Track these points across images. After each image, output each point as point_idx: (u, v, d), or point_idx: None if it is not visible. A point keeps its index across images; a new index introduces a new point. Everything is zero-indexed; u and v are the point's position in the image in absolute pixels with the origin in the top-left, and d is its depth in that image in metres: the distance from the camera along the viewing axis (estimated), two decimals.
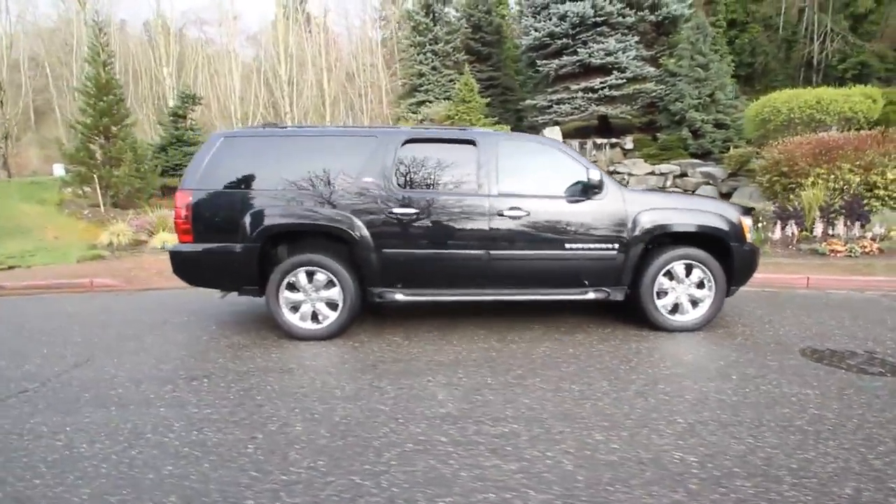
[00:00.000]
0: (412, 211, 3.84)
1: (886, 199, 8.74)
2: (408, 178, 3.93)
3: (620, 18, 17.05)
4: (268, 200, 3.84)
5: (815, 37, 18.27)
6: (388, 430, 2.38)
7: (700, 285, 4.02)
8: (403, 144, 3.98)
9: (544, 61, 18.18)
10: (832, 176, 8.74)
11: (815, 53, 18.39)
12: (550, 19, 17.62)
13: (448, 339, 3.90)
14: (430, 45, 21.93)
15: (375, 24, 25.70)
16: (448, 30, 22.15)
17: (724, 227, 3.98)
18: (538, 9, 18.38)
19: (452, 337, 3.94)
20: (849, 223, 7.79)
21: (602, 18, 16.96)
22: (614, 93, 17.29)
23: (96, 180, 10.93)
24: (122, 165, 11.16)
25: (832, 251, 7.27)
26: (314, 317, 3.95)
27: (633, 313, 4.20)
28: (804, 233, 8.12)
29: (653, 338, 3.88)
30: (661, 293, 4.02)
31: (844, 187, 8.62)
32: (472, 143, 4.05)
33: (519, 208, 3.89)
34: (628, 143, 17.70)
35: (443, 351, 3.61)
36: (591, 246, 3.94)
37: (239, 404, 2.71)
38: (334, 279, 3.86)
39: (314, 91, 22.76)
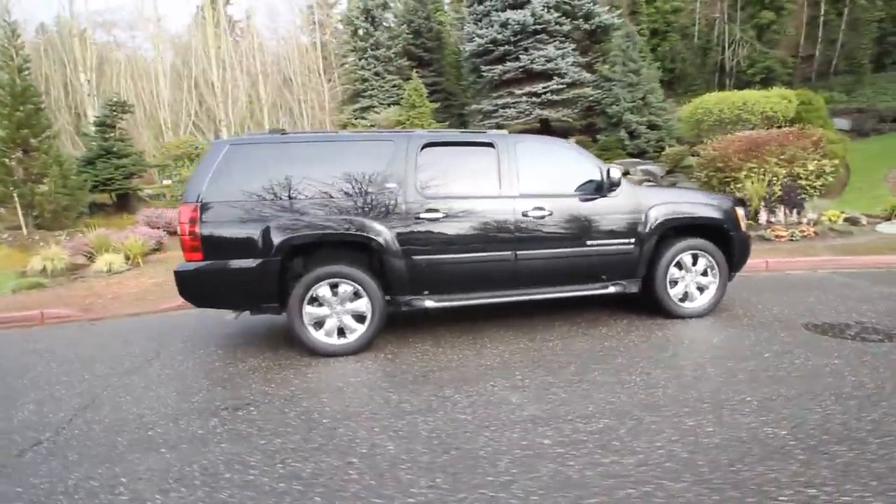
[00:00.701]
0: (439, 215, 3.78)
1: (808, 188, 9.87)
2: (431, 183, 3.86)
3: (558, 27, 17.86)
4: (285, 210, 3.60)
5: (727, 45, 20.27)
6: (487, 439, 2.32)
7: (704, 273, 4.31)
8: (423, 149, 3.91)
9: (488, 67, 18.62)
10: (762, 169, 9.71)
11: (727, 59, 20.38)
12: (492, 26, 18.09)
13: (480, 342, 3.87)
14: (372, 50, 21.73)
15: (309, 29, 24.99)
16: (389, 35, 22.07)
17: (724, 217, 4.31)
18: (480, 16, 18.82)
19: (483, 340, 3.92)
20: (787, 211, 8.70)
21: (541, 26, 17.68)
22: (556, 97, 18.05)
23: (16, 199, 9.63)
24: (47, 181, 9.93)
25: (776, 236, 8.08)
26: (340, 331, 3.76)
27: (630, 304, 4.43)
28: (749, 221, 8.96)
29: (670, 325, 4.09)
30: (672, 283, 4.26)
31: (772, 179, 9.62)
32: (490, 145, 4.07)
33: (542, 208, 3.96)
34: None
35: (483, 355, 3.58)
36: (611, 241, 4.09)
37: (309, 429, 2.51)
38: (361, 290, 3.69)
39: (249, 97, 21.69)
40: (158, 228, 10.65)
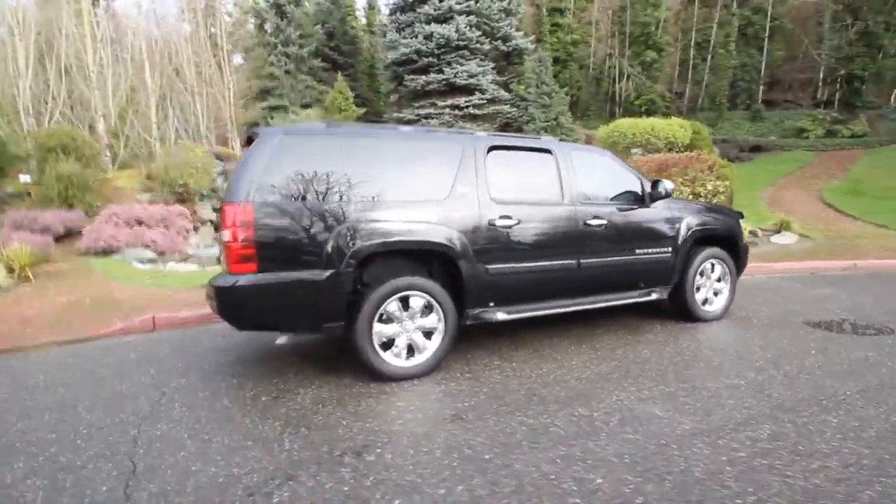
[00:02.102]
0: (512, 222, 3.56)
1: None
2: (501, 188, 3.63)
3: (478, 45, 18.52)
4: (352, 213, 3.09)
5: (617, 77, 22.87)
6: (683, 459, 2.19)
7: (719, 279, 4.70)
8: (489, 151, 3.67)
9: (412, 77, 18.59)
10: None
11: (618, 90, 22.98)
12: (416, 37, 18.13)
13: (548, 354, 3.72)
14: (283, 46, 20.30)
15: (196, 16, 22.50)
16: (301, 33, 20.81)
17: (737, 228, 4.76)
18: (403, 25, 18.75)
19: (544, 351, 3.78)
20: None
21: (464, 43, 18.17)
22: (477, 111, 18.64)
23: None
24: None
25: None
26: (409, 351, 3.33)
27: (641, 310, 4.69)
28: None
29: (697, 329, 4.36)
30: (696, 289, 4.56)
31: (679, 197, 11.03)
32: (549, 151, 3.98)
33: (599, 217, 3.97)
34: None
35: (568, 368, 3.43)
36: (655, 250, 4.26)
37: (483, 470, 2.12)
38: (434, 303, 3.32)
39: (132, 85, 18.65)
40: (38, 233, 8.60)
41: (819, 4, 21.19)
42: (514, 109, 19.15)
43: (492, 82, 18.87)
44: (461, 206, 3.42)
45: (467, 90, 18.74)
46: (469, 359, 3.66)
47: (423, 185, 3.38)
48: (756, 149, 18.24)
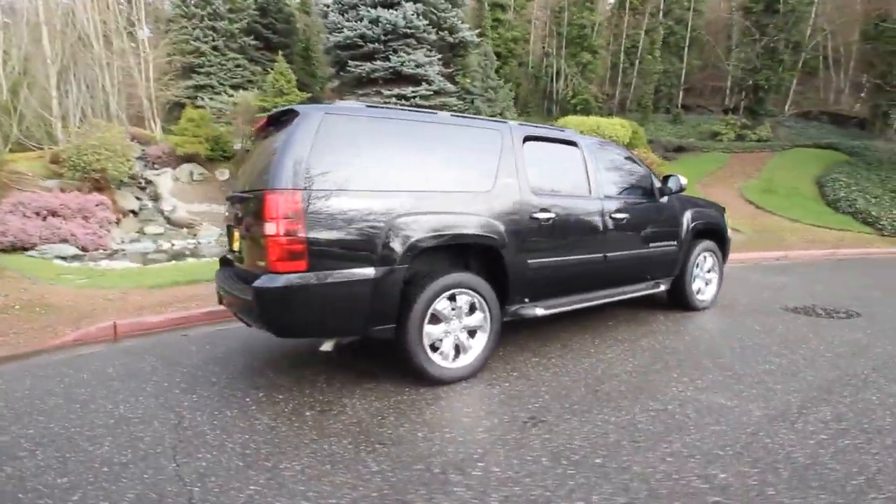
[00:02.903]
0: (551, 216, 3.48)
1: None
2: (538, 180, 3.52)
3: (425, 34, 18.21)
4: (407, 204, 2.82)
5: (555, 76, 23.68)
6: (785, 448, 2.24)
7: (710, 270, 4.99)
8: (524, 141, 3.55)
9: (357, 63, 17.84)
10: None
11: (555, 89, 23.81)
12: (362, 20, 17.42)
13: (578, 349, 3.70)
14: (210, 20, 18.54)
15: None
16: (231, 6, 19.14)
17: (724, 221, 5.07)
18: (346, 7, 17.91)
19: (573, 346, 3.76)
20: None
21: (411, 31, 17.75)
22: (424, 102, 18.32)
23: None
24: None
25: None
26: (455, 352, 3.13)
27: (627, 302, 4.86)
28: None
29: (696, 318, 4.60)
30: (693, 279, 4.80)
31: None
32: (574, 144, 3.94)
33: (622, 210, 4.01)
34: None
35: (608, 361, 3.42)
36: (665, 243, 4.40)
37: (630, 479, 2.02)
38: (480, 301, 3.14)
39: (26, 54, 16.01)
40: None
41: (730, 20, 23.48)
42: (461, 102, 19.10)
43: (438, 73, 18.67)
44: (505, 198, 3.27)
45: (414, 80, 18.35)
46: (504, 356, 3.54)
47: (469, 175, 3.18)
48: (679, 149, 19.83)
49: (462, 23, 19.18)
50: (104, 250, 9.54)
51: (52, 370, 3.46)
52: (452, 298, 3.05)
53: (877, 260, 8.75)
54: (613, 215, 3.93)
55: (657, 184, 4.42)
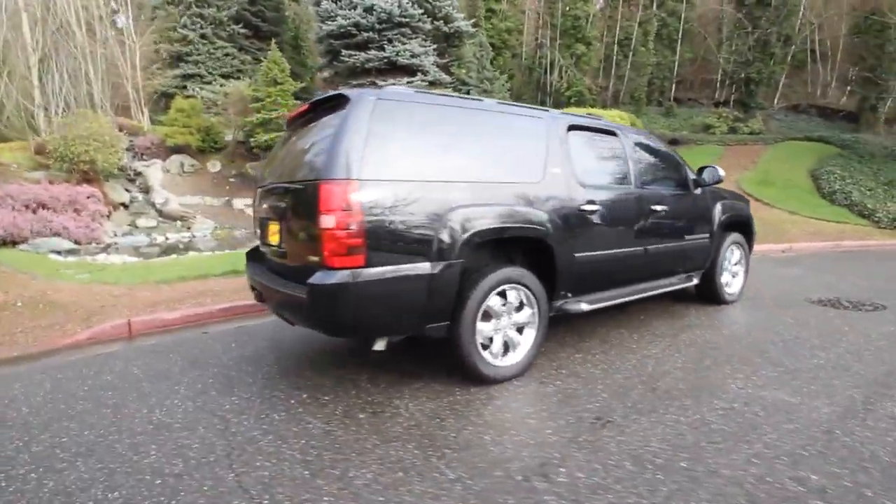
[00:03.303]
0: (597, 207, 3.37)
1: None
2: (583, 171, 3.40)
3: (420, 24, 17.91)
4: (463, 194, 2.68)
5: (549, 67, 23.57)
6: (854, 443, 2.18)
7: (736, 263, 4.95)
8: (568, 130, 3.43)
9: (350, 52, 17.48)
10: None
11: (549, 80, 23.71)
12: (355, 9, 17.05)
13: (619, 343, 3.62)
14: (198, 6, 17.97)
15: None
16: None
17: (750, 214, 5.03)
18: None
19: (615, 341, 3.68)
20: None
21: (406, 20, 17.44)
22: None
23: None
24: None
25: None
26: (504, 349, 3.01)
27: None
28: None
29: (727, 311, 4.56)
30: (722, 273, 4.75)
31: None
32: (614, 133, 3.83)
33: (660, 202, 3.92)
34: None
35: (656, 358, 3.34)
36: (699, 235, 4.33)
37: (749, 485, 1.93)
38: (529, 297, 3.03)
39: (7, 40, 15.29)
40: None
41: (721, 12, 23.60)
42: (456, 94, 18.89)
43: (433, 64, 18.41)
44: (554, 189, 3.15)
45: (409, 70, 18.06)
46: (546, 353, 3.43)
47: (519, 165, 3.05)
48: (673, 142, 19.88)
49: (457, 12, 18.92)
50: (97, 244, 9.20)
51: (72, 372, 3.25)
52: (503, 294, 2.93)
53: (878, 252, 8.87)
54: (653, 207, 3.84)
55: (691, 175, 4.34)
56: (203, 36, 17.96)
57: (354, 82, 18.27)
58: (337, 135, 2.42)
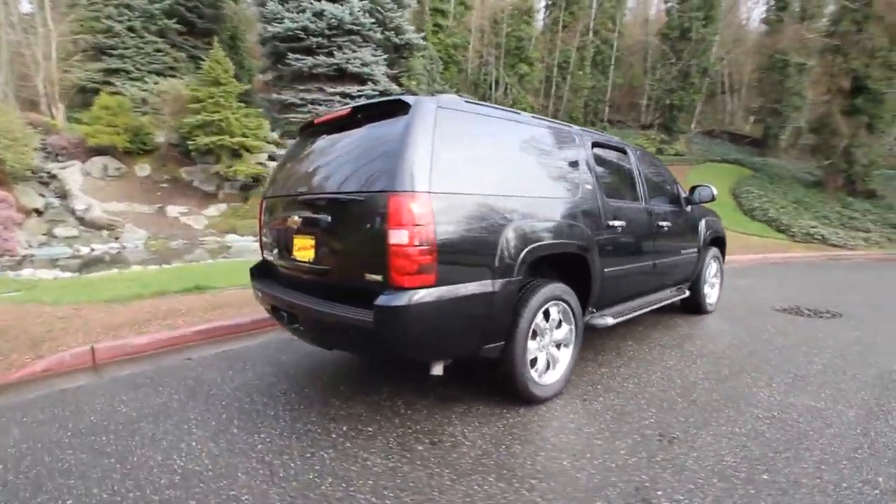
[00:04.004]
0: (620, 223, 3.42)
1: None
2: (606, 187, 3.45)
3: (371, 33, 17.71)
4: (519, 209, 2.59)
5: (493, 84, 24.24)
6: None
7: (714, 275, 5.28)
8: (593, 147, 3.46)
9: (298, 56, 16.85)
10: None
11: (494, 97, 24.36)
12: (304, 12, 16.50)
13: (634, 356, 3.69)
14: None
15: None
16: None
17: (723, 230, 5.40)
18: None
19: (630, 353, 3.75)
20: None
21: (357, 28, 17.17)
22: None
23: None
24: None
25: None
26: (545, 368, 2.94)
27: None
28: None
29: (710, 320, 4.85)
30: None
31: None
32: (625, 151, 3.94)
33: (663, 217, 4.08)
34: None
35: (676, 370, 3.43)
36: (690, 250, 4.57)
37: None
38: (568, 313, 2.99)
39: None
40: None
41: (647, 43, 25.71)
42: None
43: (384, 74, 18.23)
44: (589, 204, 3.15)
45: (360, 79, 17.76)
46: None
47: (560, 180, 3.03)
48: None
49: (408, 24, 18.94)
50: (11, 255, 7.95)
51: (40, 413, 2.71)
52: (545, 312, 2.86)
53: (802, 263, 9.96)
54: (659, 223, 3.98)
55: (682, 193, 4.58)
56: (131, 28, 16.43)
57: (300, 87, 17.61)
58: (403, 143, 2.23)
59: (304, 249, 2.66)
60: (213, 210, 13.90)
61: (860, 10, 13.66)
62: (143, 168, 14.35)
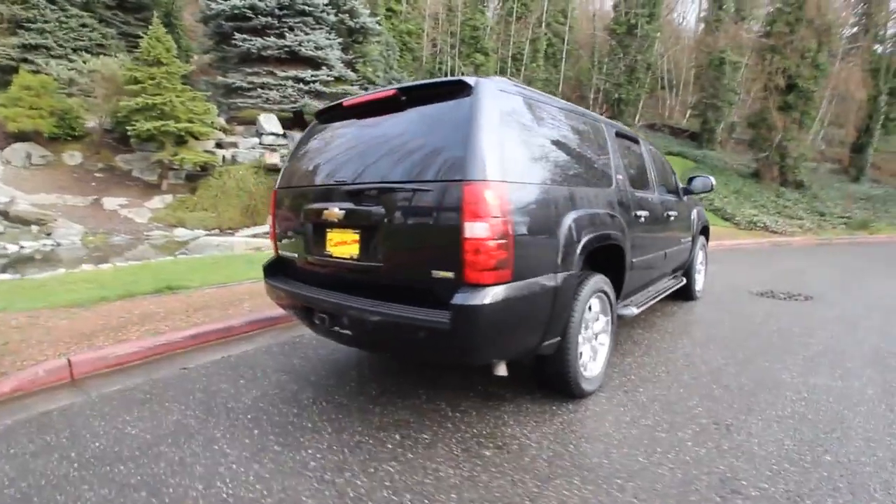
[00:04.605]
0: (644, 213, 3.43)
1: None
2: (629, 177, 3.43)
3: (325, 15, 16.93)
4: (574, 199, 2.50)
5: (448, 73, 24.01)
6: None
7: (701, 263, 5.50)
8: (616, 136, 3.44)
9: (246, 37, 15.81)
10: None
11: None
12: None
13: (649, 345, 3.75)
14: None
15: None
16: None
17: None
18: None
19: (645, 343, 3.81)
20: None
21: (309, 9, 16.37)
22: (324, 88, 17.09)
23: None
24: None
25: None
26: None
27: None
28: None
29: (700, 305, 5.06)
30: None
31: None
32: (637, 141, 3.95)
33: (670, 207, 4.16)
34: None
35: (695, 355, 3.52)
36: (687, 239, 4.70)
37: None
38: (606, 304, 2.96)
39: None
40: None
41: (593, 38, 26.48)
42: (364, 92, 18.21)
43: (339, 59, 17.52)
44: (621, 195, 3.12)
45: (313, 63, 16.97)
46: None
47: (600, 169, 2.96)
48: None
49: (364, 7, 18.27)
50: None
51: (29, 442, 2.31)
52: (589, 304, 2.80)
53: (751, 250, 10.68)
54: (668, 212, 4.05)
55: (679, 183, 4.69)
56: (52, 0, 14.63)
57: (249, 70, 16.58)
58: (471, 127, 2.05)
59: (343, 244, 2.42)
60: (158, 202, 12.80)
61: (793, 13, 14.78)
62: (73, 156, 12.93)
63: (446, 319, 1.95)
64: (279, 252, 2.99)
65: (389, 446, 2.26)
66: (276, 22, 16.03)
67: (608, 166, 3.08)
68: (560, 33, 25.61)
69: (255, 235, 10.17)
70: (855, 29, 20.48)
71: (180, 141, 12.90)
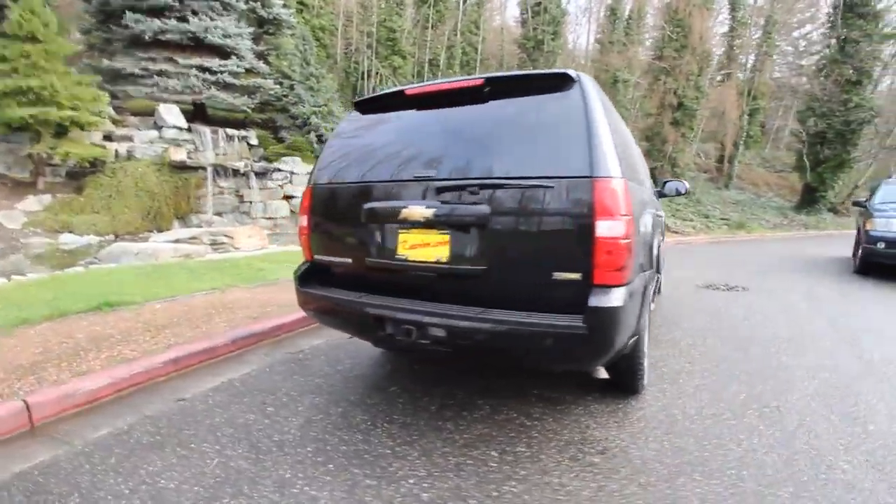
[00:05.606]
0: (660, 213, 3.61)
1: None
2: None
3: (234, 1, 15.54)
4: (648, 197, 2.53)
5: (365, 74, 23.46)
6: None
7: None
8: None
9: (138, 16, 13.93)
10: None
11: (367, 87, 23.62)
12: None
13: (665, 338, 3.96)
14: None
15: None
16: None
17: None
18: None
19: (662, 335, 4.01)
20: None
21: None
22: (234, 80, 15.70)
23: None
24: None
25: None
26: None
27: None
28: None
29: (665, 299, 5.50)
30: None
31: None
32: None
33: (660, 206, 4.43)
34: (252, 138, 16.65)
35: (703, 346, 3.77)
36: (662, 237, 5.05)
37: None
38: (649, 301, 3.05)
39: None
40: None
41: (503, 49, 27.72)
42: (279, 87, 17.05)
43: (250, 49, 16.19)
44: (650, 191, 3.25)
45: (221, 52, 15.46)
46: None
47: (641, 168, 3.04)
48: None
49: None
50: None
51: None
52: None
53: (667, 248, 11.88)
54: (659, 212, 4.31)
55: (662, 186, 5.03)
56: None
57: (143, 55, 14.63)
58: (589, 121, 1.95)
59: (425, 247, 2.18)
60: (34, 203, 10.67)
61: (678, 40, 16.88)
62: None
63: (582, 323, 1.83)
64: (314, 257, 2.62)
65: (493, 465, 2.08)
66: (177, 3, 14.34)
67: (641, 165, 3.18)
68: (474, 43, 26.37)
69: (177, 240, 8.91)
70: (726, 58, 23.90)
71: (60, 132, 10.90)
